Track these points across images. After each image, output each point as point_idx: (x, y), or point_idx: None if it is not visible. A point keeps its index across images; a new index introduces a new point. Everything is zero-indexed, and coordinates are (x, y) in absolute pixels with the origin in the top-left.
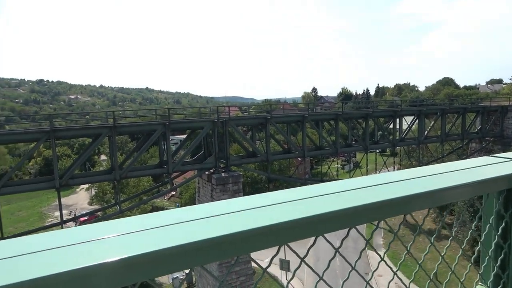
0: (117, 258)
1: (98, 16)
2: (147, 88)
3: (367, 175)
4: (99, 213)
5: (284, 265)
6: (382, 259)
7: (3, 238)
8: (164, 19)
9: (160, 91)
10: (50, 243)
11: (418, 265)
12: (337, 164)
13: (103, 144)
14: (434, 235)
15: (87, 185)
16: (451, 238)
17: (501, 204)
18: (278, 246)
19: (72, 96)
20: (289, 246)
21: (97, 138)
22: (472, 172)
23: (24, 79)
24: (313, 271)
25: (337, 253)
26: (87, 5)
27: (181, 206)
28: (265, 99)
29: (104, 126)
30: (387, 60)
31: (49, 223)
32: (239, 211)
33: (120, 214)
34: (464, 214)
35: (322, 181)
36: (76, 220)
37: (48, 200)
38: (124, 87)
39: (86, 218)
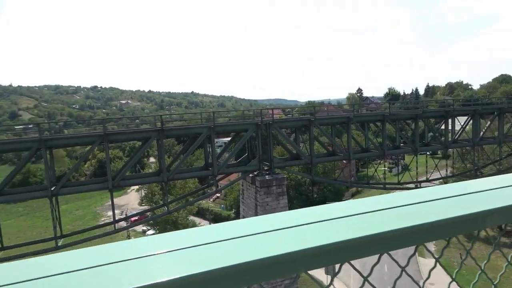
0: (171, 278)
1: (145, 24)
2: (192, 92)
3: (417, 178)
4: (148, 213)
5: (330, 270)
6: (453, 279)
7: (62, 236)
8: (207, 24)
9: (205, 95)
10: (113, 256)
11: (477, 275)
12: (384, 166)
13: (152, 147)
14: (496, 241)
15: (137, 186)
16: (494, 244)
17: None
18: (339, 264)
19: (123, 101)
20: (351, 265)
21: (146, 141)
22: None
23: (80, 86)
24: (373, 287)
25: (383, 259)
26: (134, 11)
27: (226, 208)
28: (309, 101)
29: (152, 130)
30: (438, 57)
31: (103, 222)
32: (298, 225)
33: (168, 214)
34: None
35: (369, 184)
36: (127, 220)
37: (101, 200)
38: (171, 92)
39: (136, 218)
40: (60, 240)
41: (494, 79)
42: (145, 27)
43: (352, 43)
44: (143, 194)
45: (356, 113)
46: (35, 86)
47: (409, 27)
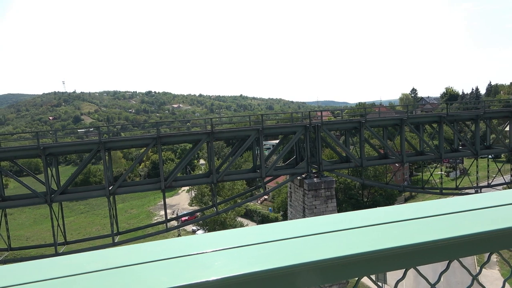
0: (228, 275)
1: (196, 31)
2: (241, 95)
3: (477, 183)
4: (198, 213)
5: (380, 276)
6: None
7: (119, 233)
8: (255, 28)
9: (254, 98)
10: (176, 250)
11: None
12: (441, 171)
13: (202, 149)
14: None
15: (187, 187)
16: None
17: None
18: (404, 270)
19: (175, 105)
20: (417, 270)
21: (197, 144)
22: None
23: (135, 91)
24: None
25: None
26: (184, 20)
27: (273, 211)
28: (359, 102)
29: (203, 133)
30: (503, 53)
31: (155, 221)
32: (363, 226)
33: (217, 215)
34: None
35: (423, 189)
36: (178, 219)
37: (154, 200)
38: (220, 95)
39: (187, 218)
40: (116, 236)
41: None
42: (197, 33)
43: (406, 41)
44: (193, 195)
45: (410, 115)
46: (96, 92)
47: (467, 24)
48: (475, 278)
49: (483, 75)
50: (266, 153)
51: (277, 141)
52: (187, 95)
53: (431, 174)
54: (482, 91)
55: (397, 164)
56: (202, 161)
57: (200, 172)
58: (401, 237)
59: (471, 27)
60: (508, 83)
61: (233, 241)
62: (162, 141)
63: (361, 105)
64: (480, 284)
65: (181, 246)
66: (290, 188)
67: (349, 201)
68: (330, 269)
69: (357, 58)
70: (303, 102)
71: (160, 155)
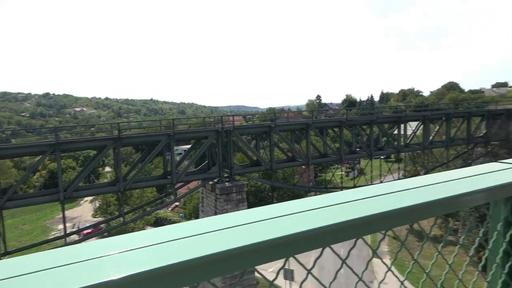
0: (121, 276)
1: (102, 28)
2: (151, 99)
3: (371, 182)
4: (102, 225)
5: (288, 274)
6: (389, 269)
7: (7, 252)
8: (166, 30)
9: (165, 102)
10: (55, 261)
11: (425, 274)
12: (342, 171)
13: (107, 156)
14: (442, 244)
15: (91, 198)
16: (458, 246)
17: (509, 211)
18: (285, 258)
19: (78, 109)
20: (296, 259)
21: (102, 150)
22: (480, 179)
23: (30, 93)
24: (320, 282)
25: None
26: (91, 17)
27: (185, 217)
28: (269, 108)
29: (109, 138)
30: (392, 65)
31: (52, 237)
32: (245, 224)
33: (124, 226)
34: (471, 221)
35: (327, 188)
36: (80, 233)
37: (52, 213)
38: (129, 99)
39: (90, 230)
40: (4, 257)
41: (443, 86)
42: (100, 31)
43: (312, 52)
44: (97, 205)
45: (315, 119)
46: None
47: (367, 35)
48: (344, 261)
49: (376, 84)
50: (178, 158)
51: (189, 146)
52: (91, 98)
53: (333, 175)
54: (376, 98)
55: (303, 166)
56: (107, 169)
57: (106, 180)
58: (281, 229)
59: (367, 41)
60: (397, 91)
61: (125, 245)
62: (62, 148)
63: (271, 110)
64: (350, 268)
65: (69, 253)
66: (202, 193)
67: (260, 203)
68: (215, 263)
69: (267, 65)
70: (216, 107)
71: (59, 163)
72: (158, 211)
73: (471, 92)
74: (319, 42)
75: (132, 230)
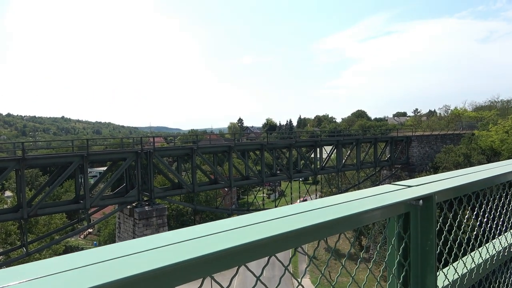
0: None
1: (4, 32)
2: (63, 117)
3: (291, 203)
4: (0, 257)
5: None
6: (299, 283)
7: None
8: (82, 40)
9: (78, 121)
10: None
11: (332, 286)
12: (263, 193)
13: (8, 179)
14: (345, 258)
15: None
16: (359, 259)
17: (400, 227)
18: (202, 278)
19: None
20: (213, 278)
21: (1, 172)
22: (377, 199)
23: None
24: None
25: (259, 282)
26: None
27: (99, 244)
28: (191, 130)
29: (10, 159)
30: (309, 92)
31: None
32: (161, 246)
33: (27, 257)
34: (371, 236)
35: (249, 211)
36: None
37: None
38: (37, 116)
39: None
40: None
41: (353, 114)
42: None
43: (233, 76)
44: None
45: (237, 142)
46: None
47: (284, 62)
48: (258, 278)
49: (295, 109)
50: (92, 181)
51: (104, 168)
52: None
53: (255, 197)
54: (295, 123)
55: (226, 189)
56: (8, 193)
57: (6, 206)
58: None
59: (286, 68)
60: (312, 117)
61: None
62: None
63: (193, 132)
64: (264, 285)
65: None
66: (119, 218)
67: (182, 227)
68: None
69: (189, 87)
70: (136, 127)
71: None
72: (69, 239)
73: (377, 120)
74: (240, 67)
75: None
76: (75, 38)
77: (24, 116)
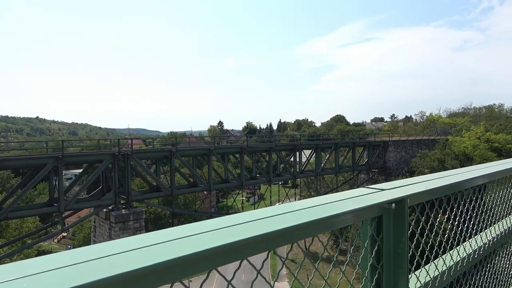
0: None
1: None
2: (37, 117)
3: (270, 206)
4: None
5: None
6: (272, 287)
7: None
8: (57, 38)
9: (53, 121)
10: None
11: None
12: (242, 196)
13: None
14: (319, 261)
15: None
16: (332, 262)
17: (373, 229)
18: (171, 284)
19: None
20: (182, 283)
21: None
22: (350, 202)
23: None
24: None
25: (230, 285)
26: None
27: (73, 248)
28: (171, 132)
29: None
30: (290, 96)
31: None
32: (144, 246)
33: None
34: (343, 239)
35: (228, 213)
36: None
37: None
38: (9, 116)
39: None
40: None
41: (332, 118)
42: None
43: (214, 78)
44: None
45: (217, 145)
46: None
47: (266, 67)
48: (229, 282)
49: (275, 113)
50: (67, 183)
51: (80, 170)
52: None
53: (234, 200)
54: (275, 126)
55: (205, 192)
56: None
57: None
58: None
59: (267, 73)
60: (293, 121)
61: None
62: None
63: (172, 135)
64: (234, 286)
65: None
66: (94, 222)
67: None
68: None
69: (169, 89)
70: (113, 129)
71: None
72: (41, 243)
73: (355, 124)
74: (222, 69)
75: None
76: (52, 36)
77: None
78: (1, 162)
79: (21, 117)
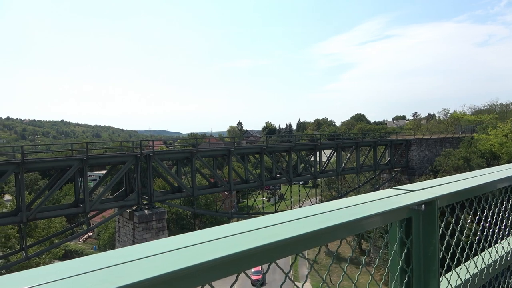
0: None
1: (2, 36)
2: (62, 120)
3: (291, 206)
4: (0, 261)
5: None
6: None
7: None
8: (80, 44)
9: (78, 124)
10: None
11: None
12: (263, 197)
13: (8, 182)
14: (347, 264)
15: None
16: (361, 265)
17: (402, 232)
18: (200, 287)
19: None
20: (211, 286)
21: (1, 176)
22: (377, 204)
23: None
24: None
25: None
26: None
27: (99, 248)
28: (191, 133)
29: (10, 163)
30: (308, 96)
31: None
32: (162, 253)
33: (26, 261)
34: (371, 246)
35: (249, 214)
36: None
37: None
38: (36, 120)
39: None
40: None
41: (352, 117)
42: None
43: (231, 79)
44: None
45: (237, 146)
46: None
47: (283, 66)
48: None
49: (294, 113)
50: (91, 185)
51: (104, 172)
52: None
53: (255, 200)
54: (294, 126)
55: (226, 192)
56: (7, 197)
57: (5, 210)
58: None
59: (283, 73)
60: (312, 120)
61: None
62: None
63: (192, 136)
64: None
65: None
66: (118, 222)
67: (181, 231)
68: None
69: (189, 90)
70: (135, 131)
71: None
72: (68, 243)
73: (376, 123)
74: (238, 70)
75: (37, 265)
76: (75, 42)
77: (24, 120)
78: (29, 164)
79: (47, 120)
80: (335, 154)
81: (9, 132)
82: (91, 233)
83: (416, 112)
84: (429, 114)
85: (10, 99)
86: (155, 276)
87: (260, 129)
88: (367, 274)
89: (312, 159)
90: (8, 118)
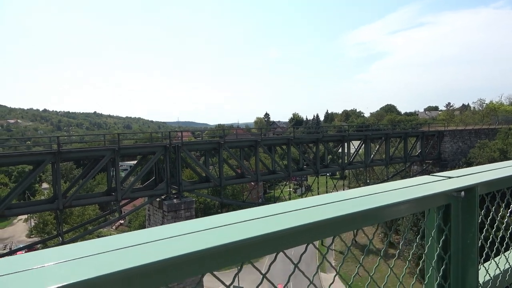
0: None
1: (39, 33)
2: (95, 112)
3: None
4: (38, 245)
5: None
6: (337, 273)
7: None
8: (111, 38)
9: (109, 116)
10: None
11: (370, 277)
12: (290, 188)
13: (45, 172)
14: (380, 257)
15: (25, 216)
16: (395, 257)
17: (440, 219)
18: (240, 264)
19: (12, 121)
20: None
21: (39, 165)
22: (415, 190)
23: None
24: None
25: (290, 277)
26: (26, 18)
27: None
28: (218, 124)
29: (47, 152)
30: (337, 86)
31: None
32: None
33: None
34: (408, 232)
35: None
36: (12, 254)
37: None
38: (70, 112)
39: (23, 252)
40: None
41: (381, 108)
42: (38, 36)
43: (260, 71)
44: (32, 224)
45: (264, 137)
46: None
47: (311, 56)
48: (296, 265)
49: (322, 104)
50: (123, 174)
51: (135, 162)
52: (27, 109)
53: (282, 191)
54: (322, 117)
55: (252, 183)
56: (45, 185)
57: (43, 197)
58: (236, 234)
59: (311, 63)
60: (340, 111)
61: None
62: None
63: (220, 127)
64: (302, 271)
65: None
66: (148, 210)
67: None
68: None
69: (217, 82)
70: (164, 122)
71: None
72: (101, 229)
73: (407, 114)
74: (266, 60)
75: None
76: (106, 37)
77: (59, 112)
78: (64, 154)
79: (81, 112)
80: (363, 145)
81: (46, 124)
82: (122, 221)
83: (449, 103)
84: (463, 104)
85: (47, 92)
86: (162, 259)
87: (287, 120)
88: (396, 267)
89: (340, 150)
90: (45, 110)
